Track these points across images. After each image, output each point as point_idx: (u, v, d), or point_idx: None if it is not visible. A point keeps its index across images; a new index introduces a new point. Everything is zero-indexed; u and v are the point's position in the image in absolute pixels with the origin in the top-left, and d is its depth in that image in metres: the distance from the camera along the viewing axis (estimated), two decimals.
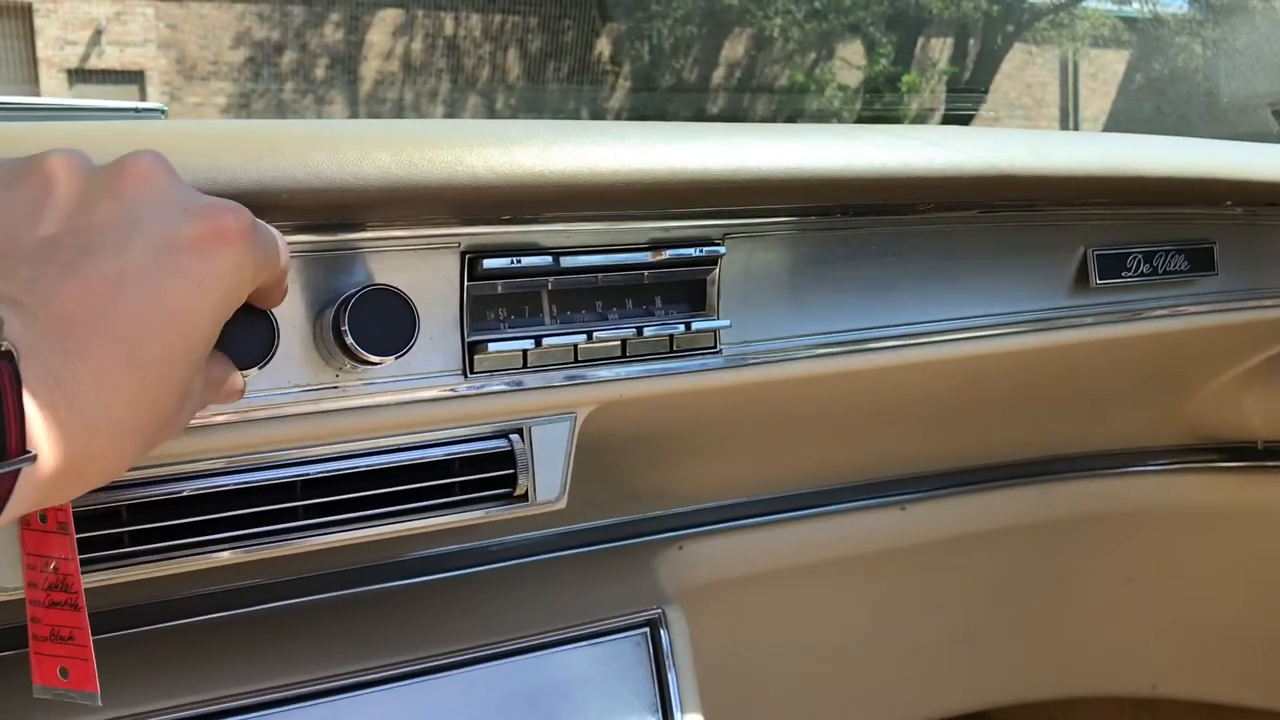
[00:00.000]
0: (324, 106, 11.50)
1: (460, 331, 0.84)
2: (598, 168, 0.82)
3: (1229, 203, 1.19)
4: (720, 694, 1.09)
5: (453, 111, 11.72)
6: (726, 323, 0.93)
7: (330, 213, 0.77)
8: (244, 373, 0.73)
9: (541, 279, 0.87)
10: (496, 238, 0.85)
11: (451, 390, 0.84)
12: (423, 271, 0.82)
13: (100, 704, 0.73)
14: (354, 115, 11.30)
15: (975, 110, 11.43)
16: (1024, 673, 1.47)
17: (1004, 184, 1.00)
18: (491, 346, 0.84)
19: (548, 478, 0.90)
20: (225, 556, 0.80)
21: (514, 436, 0.89)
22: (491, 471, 0.88)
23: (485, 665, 0.95)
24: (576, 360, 0.88)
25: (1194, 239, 1.17)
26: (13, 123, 0.98)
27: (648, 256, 0.90)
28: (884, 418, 1.18)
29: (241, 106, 11.17)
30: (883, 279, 1.03)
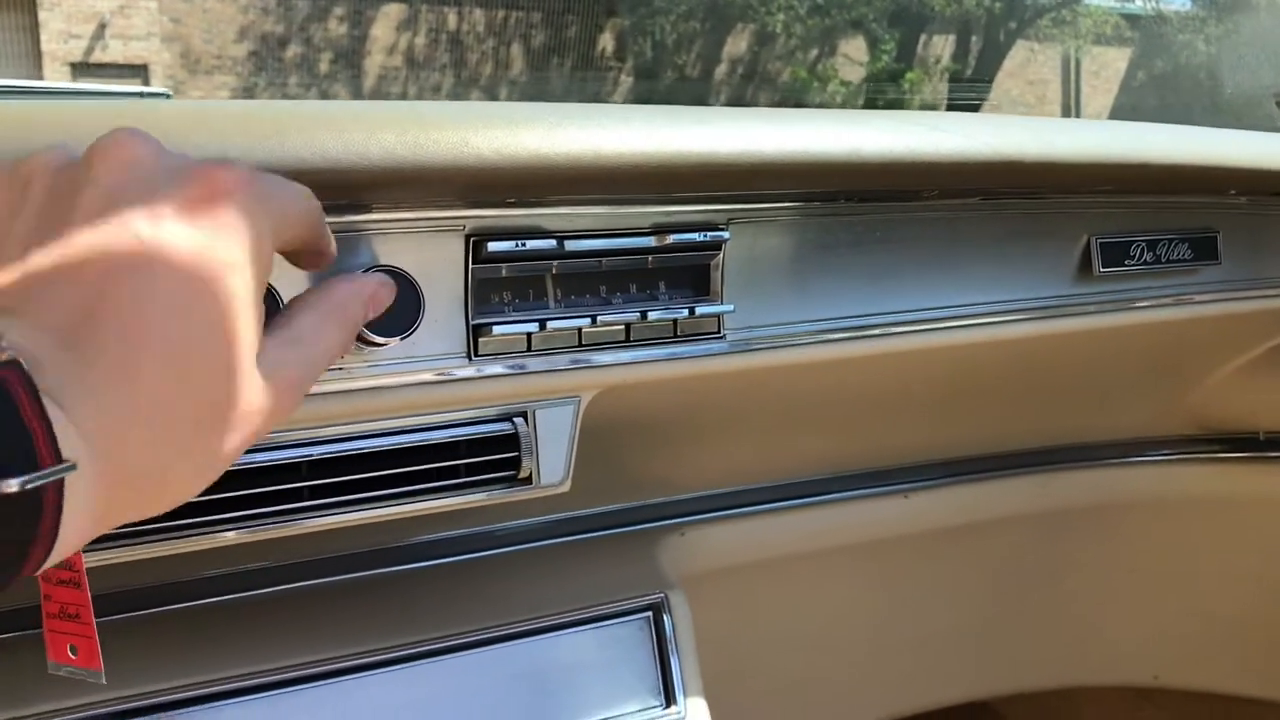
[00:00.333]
0: (327, 100, 11.51)
1: (464, 314, 0.84)
2: (603, 150, 0.82)
3: (1233, 192, 1.19)
4: (721, 679, 1.09)
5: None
6: (730, 308, 0.93)
7: (335, 194, 0.77)
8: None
9: (545, 262, 0.87)
10: (501, 221, 0.85)
11: (455, 373, 0.84)
12: (427, 254, 0.82)
13: (104, 681, 0.73)
14: None
15: (977, 107, 11.43)
16: (1025, 662, 1.47)
17: (1009, 170, 1.00)
18: (496, 329, 0.84)
19: (551, 461, 0.90)
20: (231, 536, 0.80)
21: (518, 420, 0.89)
22: (495, 454, 0.88)
23: (489, 648, 0.96)
24: (580, 344, 0.88)
25: (1198, 228, 1.17)
26: (18, 101, 0.98)
27: (652, 241, 0.90)
28: (887, 405, 1.18)
29: (245, 99, 11.18)
30: (886, 265, 1.03)
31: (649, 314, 0.89)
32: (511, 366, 0.86)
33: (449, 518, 1.03)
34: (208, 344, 0.51)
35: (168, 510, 0.53)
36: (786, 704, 1.31)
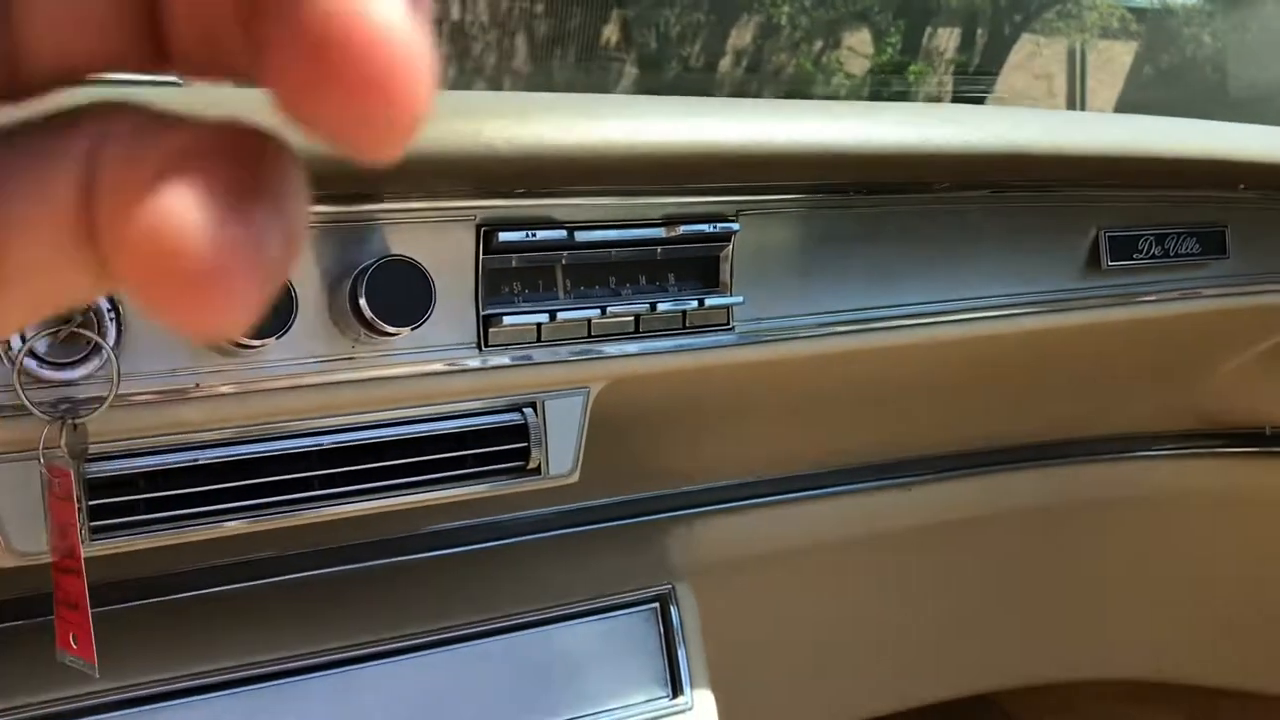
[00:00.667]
0: None
1: (475, 304, 0.84)
2: (615, 141, 0.82)
3: (1242, 186, 1.18)
4: (727, 670, 1.10)
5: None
6: (740, 299, 0.93)
7: (347, 183, 0.77)
8: (261, 342, 0.74)
9: (556, 253, 0.87)
10: (512, 211, 0.85)
11: (465, 363, 0.85)
12: (438, 244, 0.82)
13: (97, 675, 0.74)
14: None
15: (982, 100, 11.40)
16: (1029, 655, 1.47)
17: (1019, 163, 1.00)
18: (506, 320, 0.84)
19: (560, 452, 0.90)
20: (240, 526, 0.80)
21: (527, 410, 0.89)
22: (504, 445, 0.88)
23: (497, 638, 0.96)
24: (590, 335, 0.88)
25: (1206, 222, 1.17)
26: None
27: (662, 232, 0.90)
28: (894, 398, 1.18)
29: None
30: (895, 258, 1.03)
31: (658, 305, 0.89)
32: (521, 357, 0.86)
33: (457, 508, 1.03)
34: None
35: None
36: (790, 696, 1.31)
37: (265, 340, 0.73)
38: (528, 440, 0.88)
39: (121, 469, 0.76)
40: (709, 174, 0.88)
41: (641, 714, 0.98)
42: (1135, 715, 1.61)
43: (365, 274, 0.76)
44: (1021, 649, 1.46)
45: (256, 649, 0.91)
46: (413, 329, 0.78)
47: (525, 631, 0.97)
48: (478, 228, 0.84)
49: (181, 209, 0.17)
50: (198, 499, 0.79)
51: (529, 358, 0.87)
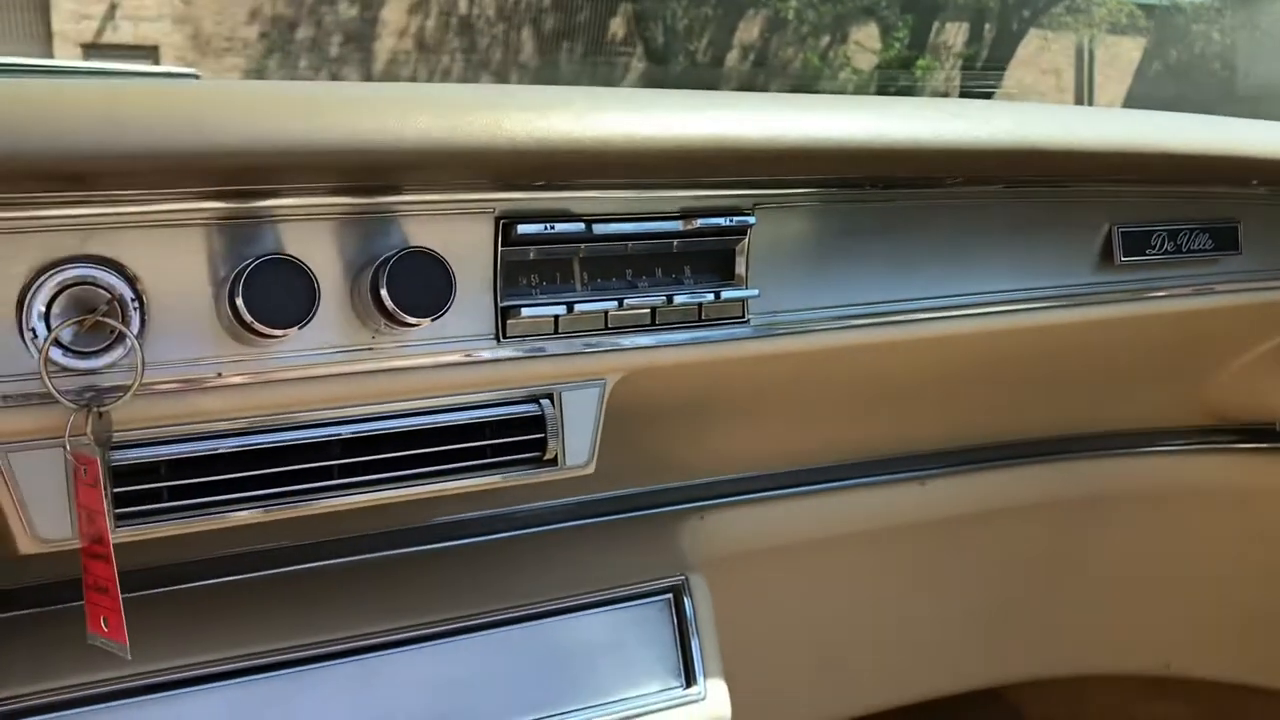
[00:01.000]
0: (338, 82, 11.47)
1: (493, 296, 0.85)
2: (634, 134, 0.82)
3: (1255, 182, 1.19)
4: (738, 661, 1.10)
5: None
6: (755, 292, 0.93)
7: (369, 175, 0.78)
8: (283, 332, 0.75)
9: (573, 246, 0.88)
10: (530, 204, 0.85)
11: (484, 354, 0.85)
12: (457, 235, 0.83)
13: (129, 656, 0.75)
14: None
15: (990, 95, 11.37)
16: (1038, 650, 1.48)
17: (1033, 158, 1.01)
18: (524, 311, 0.85)
19: (577, 443, 0.91)
20: (261, 514, 0.81)
21: (544, 401, 0.90)
22: (522, 435, 0.89)
23: (513, 628, 0.97)
24: (607, 327, 0.89)
25: (1219, 218, 1.18)
26: (43, 80, 0.99)
27: (678, 225, 0.90)
28: (906, 392, 1.19)
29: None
30: (909, 252, 1.04)
31: (675, 298, 0.90)
32: (539, 349, 0.87)
33: (472, 499, 1.04)
34: None
35: None
36: (800, 687, 1.32)
37: (287, 330, 0.74)
38: (544, 431, 0.89)
39: (145, 457, 0.77)
40: (726, 168, 0.89)
41: (656, 703, 0.99)
42: (1143, 710, 1.62)
43: (386, 265, 0.77)
44: (1031, 643, 1.46)
45: (277, 636, 0.91)
46: (433, 319, 0.79)
47: (541, 621, 0.98)
48: (496, 220, 0.84)
49: None
50: (220, 487, 0.79)
51: (546, 349, 0.87)
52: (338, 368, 0.80)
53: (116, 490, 0.76)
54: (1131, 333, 1.22)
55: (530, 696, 0.95)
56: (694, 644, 1.02)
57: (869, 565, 1.31)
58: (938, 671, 1.42)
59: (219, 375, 0.77)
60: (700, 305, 0.92)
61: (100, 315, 0.72)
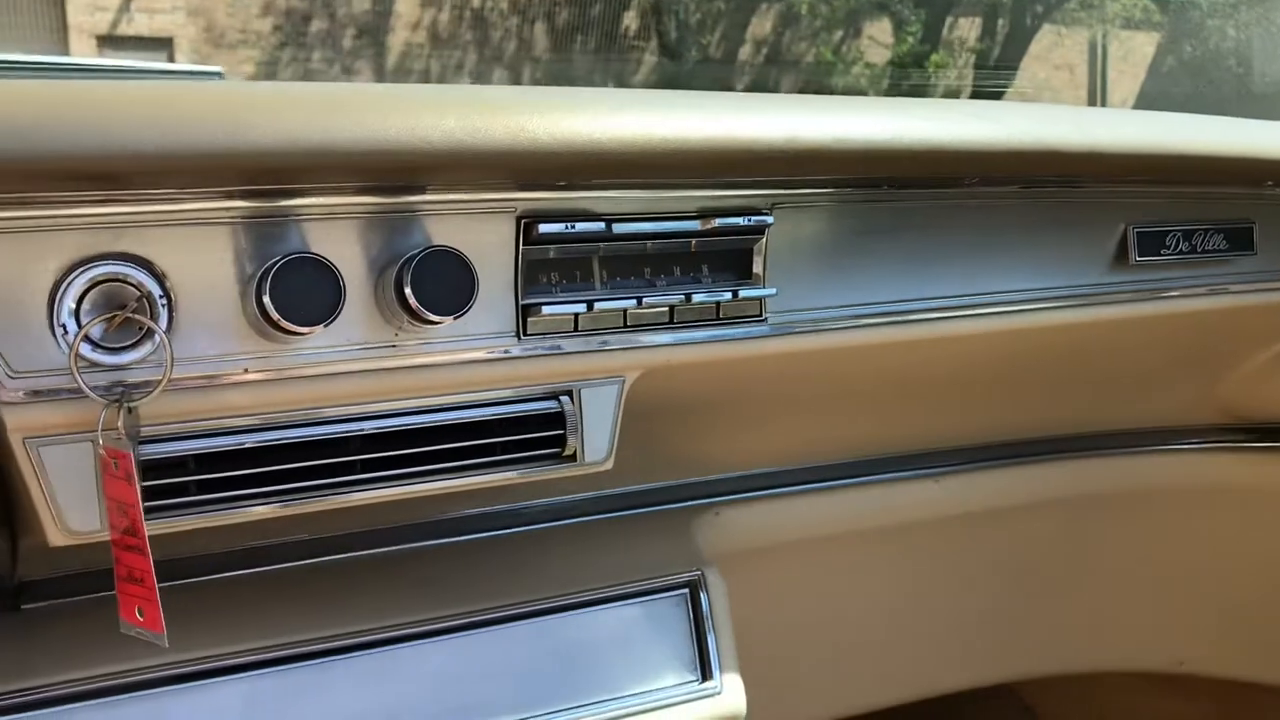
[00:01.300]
0: (351, 77, 11.51)
1: (514, 294, 0.86)
2: (655, 136, 0.83)
3: (1270, 183, 1.19)
4: (752, 656, 1.11)
5: (478, 83, 11.69)
6: (773, 291, 0.94)
7: (393, 175, 0.79)
8: (309, 329, 0.76)
9: (593, 245, 0.89)
10: (551, 203, 0.86)
11: (505, 351, 0.86)
12: (479, 235, 0.84)
13: (166, 644, 0.76)
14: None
15: (1003, 91, 11.34)
16: (1051, 646, 1.48)
17: (1050, 159, 1.01)
18: (545, 309, 0.86)
19: (596, 439, 0.92)
20: (286, 507, 0.82)
21: (564, 398, 0.91)
22: (541, 431, 0.90)
23: (531, 621, 0.98)
24: (626, 325, 0.90)
25: (1234, 219, 1.18)
26: (77, 81, 1.01)
27: (697, 225, 0.91)
28: (921, 390, 1.20)
29: (269, 75, 11.18)
30: (924, 252, 1.04)
31: (693, 296, 0.91)
32: (559, 346, 0.88)
33: (490, 494, 1.06)
34: None
35: None
36: (814, 682, 1.33)
37: (313, 328, 0.75)
38: (564, 427, 0.90)
39: (173, 451, 0.78)
40: (746, 168, 0.90)
41: (672, 697, 1.00)
42: (1155, 707, 1.62)
43: (411, 264, 0.78)
44: (1044, 640, 1.47)
45: (296, 629, 0.93)
46: (456, 318, 0.80)
47: (558, 615, 0.99)
48: (518, 219, 0.85)
49: None
50: (245, 481, 0.81)
51: (566, 347, 0.88)
52: (361, 365, 0.81)
53: (145, 484, 0.77)
54: (1146, 332, 1.22)
55: (547, 689, 0.96)
56: (710, 638, 1.03)
57: (883, 561, 1.31)
58: (951, 667, 1.43)
59: (245, 371, 0.78)
60: (718, 304, 0.92)
61: (130, 312, 0.74)
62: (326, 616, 0.94)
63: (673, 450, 1.15)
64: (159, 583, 0.88)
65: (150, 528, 0.78)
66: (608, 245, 0.89)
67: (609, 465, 0.93)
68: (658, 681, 1.00)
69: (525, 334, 0.87)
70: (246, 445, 0.81)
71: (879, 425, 1.24)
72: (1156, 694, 1.61)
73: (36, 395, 0.74)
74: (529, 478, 0.91)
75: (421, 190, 0.82)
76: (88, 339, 0.73)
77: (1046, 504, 1.38)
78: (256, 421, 0.82)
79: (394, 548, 1.02)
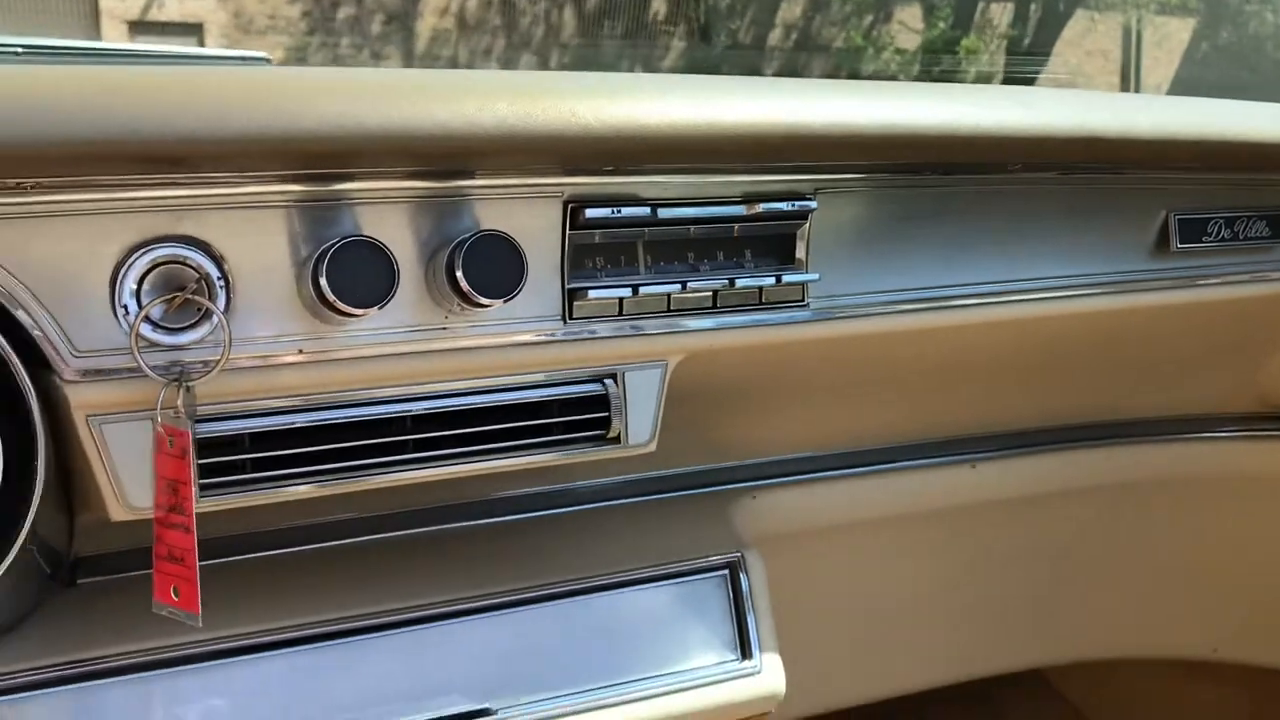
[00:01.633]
0: (379, 62, 11.53)
1: (560, 278, 0.87)
2: (702, 121, 0.84)
3: None
4: (787, 638, 1.12)
5: (507, 68, 11.69)
6: (816, 276, 0.95)
7: (446, 159, 0.80)
8: (363, 311, 0.77)
9: (638, 229, 0.90)
10: (598, 188, 0.87)
11: (551, 334, 0.88)
12: (527, 219, 0.85)
13: (200, 625, 0.78)
14: (409, 69, 11.27)
15: (1035, 76, 11.24)
16: (1084, 632, 1.49)
17: (1094, 145, 1.02)
18: (591, 293, 0.87)
19: (639, 422, 0.93)
20: (338, 486, 0.84)
21: (608, 381, 0.92)
22: (586, 414, 0.91)
23: (573, 600, 0.99)
24: (669, 309, 0.91)
25: (1277, 205, 1.18)
26: (123, 67, 1.02)
27: (741, 209, 0.92)
28: (959, 376, 1.20)
29: (298, 60, 11.22)
30: (965, 237, 1.05)
31: (737, 281, 0.92)
32: (604, 330, 0.89)
33: (532, 475, 1.07)
34: None
35: None
36: (847, 665, 1.34)
37: (368, 309, 0.77)
38: (608, 410, 0.92)
39: (228, 430, 0.80)
40: (791, 154, 0.90)
41: (713, 675, 1.01)
42: (1188, 693, 1.63)
43: (462, 247, 0.79)
44: (1078, 626, 1.48)
45: (344, 605, 0.94)
46: (506, 301, 0.81)
47: (599, 594, 1.00)
48: (565, 204, 0.86)
49: None
50: (298, 460, 0.82)
51: (611, 330, 0.89)
52: (412, 346, 0.83)
53: (201, 462, 0.79)
54: (1184, 319, 1.22)
55: (590, 666, 0.98)
56: (750, 619, 1.04)
57: (918, 546, 1.32)
58: (984, 652, 1.44)
59: (299, 352, 0.80)
60: (761, 289, 0.93)
61: (189, 293, 0.75)
62: (372, 593, 0.96)
63: (711, 434, 1.16)
64: (203, 560, 0.90)
65: (202, 505, 0.80)
66: (652, 230, 0.90)
67: (652, 447, 0.94)
68: (698, 660, 1.02)
69: (571, 317, 0.88)
70: (299, 425, 0.83)
71: (916, 410, 1.24)
72: (1188, 681, 1.61)
73: (98, 374, 0.75)
74: (573, 459, 0.92)
75: (471, 175, 0.83)
76: (147, 319, 0.75)
77: (1081, 490, 1.39)
78: (309, 401, 0.83)
79: (438, 527, 1.04)
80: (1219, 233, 1.15)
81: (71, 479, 0.86)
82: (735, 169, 0.92)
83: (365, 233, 0.79)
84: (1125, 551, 1.45)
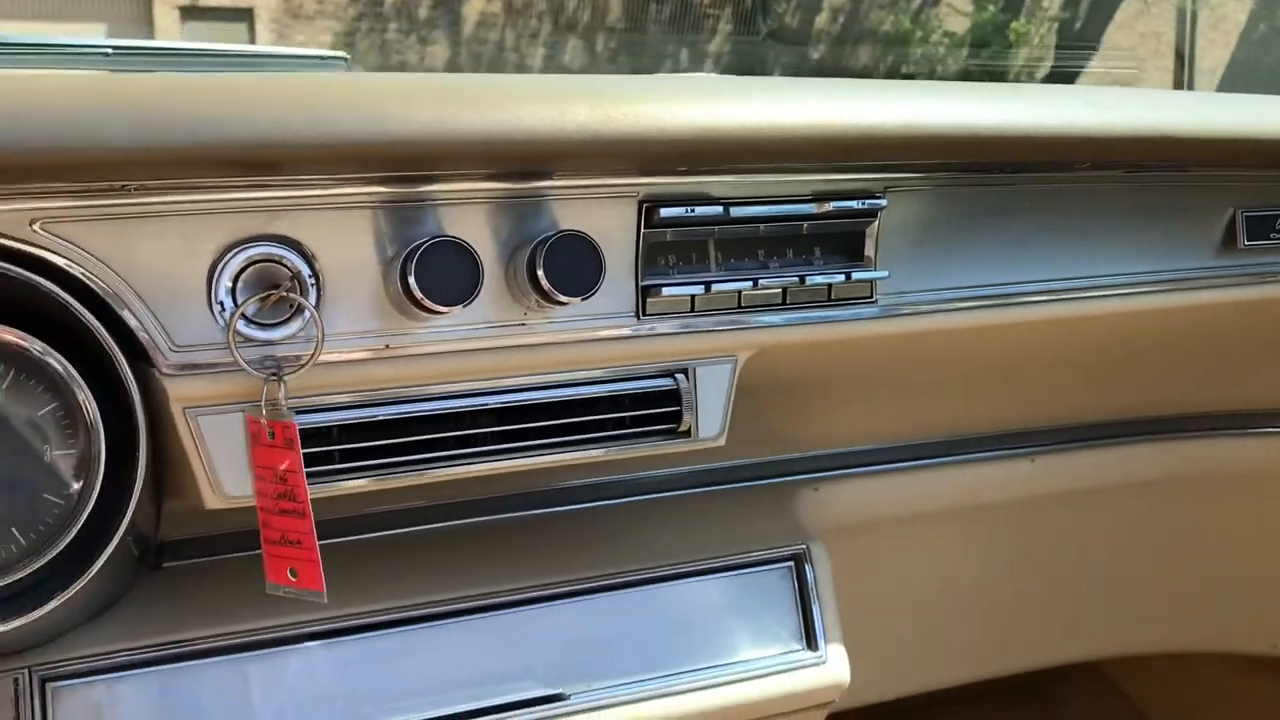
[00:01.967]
0: (427, 47, 11.59)
1: (634, 276, 0.89)
2: (778, 123, 0.86)
3: None
4: (846, 628, 1.14)
5: (553, 53, 11.72)
6: (885, 274, 0.96)
7: (527, 162, 0.82)
8: (449, 309, 0.80)
9: (709, 228, 0.91)
10: (672, 188, 0.89)
11: (624, 331, 0.90)
12: (603, 218, 0.88)
13: (325, 600, 0.81)
14: (455, 55, 11.33)
15: (1086, 60, 11.09)
16: (1142, 626, 1.49)
17: (1163, 144, 1.02)
18: (665, 290, 0.89)
19: (709, 416, 0.95)
20: (424, 475, 0.87)
21: (679, 376, 0.94)
22: (658, 408, 0.93)
23: (641, 589, 1.02)
24: (740, 306, 0.93)
25: None
26: (199, 73, 1.05)
27: (812, 208, 0.94)
28: (1021, 371, 1.21)
29: (347, 46, 11.30)
30: (1031, 235, 1.06)
31: (807, 278, 0.94)
32: (676, 326, 0.91)
33: (596, 465, 1.09)
34: None
35: None
36: (906, 655, 1.35)
37: (453, 307, 0.79)
38: (680, 404, 0.94)
39: (320, 422, 0.83)
40: (864, 154, 0.92)
41: (779, 665, 1.03)
42: (1245, 688, 1.62)
43: (543, 246, 0.81)
44: (1136, 619, 1.48)
45: (419, 591, 0.97)
46: (584, 299, 0.83)
47: (668, 583, 1.03)
48: (640, 203, 0.88)
49: None
50: (386, 450, 0.85)
51: (683, 327, 0.91)
52: (492, 342, 0.85)
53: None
54: (1250, 316, 1.22)
55: (658, 654, 1.00)
56: (815, 610, 1.06)
57: (978, 538, 1.33)
58: (1040, 644, 1.45)
59: (386, 347, 0.82)
60: (830, 286, 0.95)
61: (284, 291, 0.78)
62: (449, 579, 0.98)
63: (774, 426, 1.17)
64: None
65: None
66: (723, 228, 0.92)
67: (722, 441, 0.96)
68: (764, 650, 1.04)
69: (644, 314, 0.90)
70: (383, 416, 0.86)
71: (978, 405, 1.25)
72: (1247, 675, 1.61)
73: (195, 368, 0.79)
74: (644, 452, 0.94)
75: (548, 176, 0.85)
76: (243, 316, 0.78)
77: (1142, 484, 1.39)
78: (393, 394, 0.86)
79: (503, 516, 1.07)
80: None
81: (161, 467, 0.90)
82: (806, 168, 0.93)
83: (449, 233, 0.81)
84: (1183, 546, 1.46)
